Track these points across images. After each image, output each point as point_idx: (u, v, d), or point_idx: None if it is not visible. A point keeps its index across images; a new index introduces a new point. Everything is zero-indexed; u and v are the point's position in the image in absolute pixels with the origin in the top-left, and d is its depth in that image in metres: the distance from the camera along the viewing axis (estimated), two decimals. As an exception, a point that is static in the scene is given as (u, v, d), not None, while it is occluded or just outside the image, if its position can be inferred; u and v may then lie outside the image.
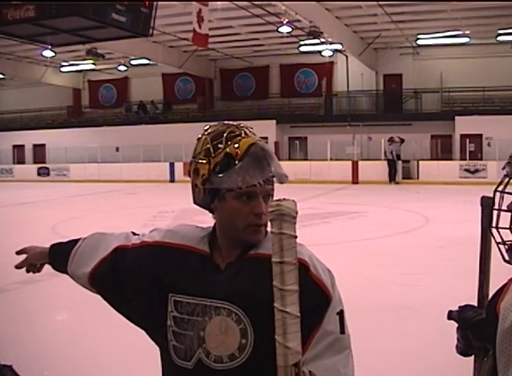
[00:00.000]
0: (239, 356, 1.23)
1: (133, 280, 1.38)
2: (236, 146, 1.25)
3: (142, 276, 1.36)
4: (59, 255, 1.56)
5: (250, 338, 1.22)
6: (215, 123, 1.34)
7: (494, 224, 1.24)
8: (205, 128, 1.34)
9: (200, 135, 1.33)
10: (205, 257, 1.31)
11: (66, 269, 1.55)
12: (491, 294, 1.27)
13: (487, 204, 1.30)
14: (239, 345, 1.23)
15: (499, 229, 1.22)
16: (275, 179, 1.27)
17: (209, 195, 1.28)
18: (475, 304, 1.45)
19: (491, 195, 1.27)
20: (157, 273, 1.34)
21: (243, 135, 1.27)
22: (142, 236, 1.45)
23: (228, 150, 1.25)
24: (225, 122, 1.33)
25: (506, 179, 1.22)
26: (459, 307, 1.43)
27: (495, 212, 1.25)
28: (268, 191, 1.26)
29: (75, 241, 1.57)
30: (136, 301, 1.38)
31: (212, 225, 1.37)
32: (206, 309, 1.26)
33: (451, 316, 1.41)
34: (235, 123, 1.32)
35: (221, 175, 1.24)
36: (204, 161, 1.27)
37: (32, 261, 1.60)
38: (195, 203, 1.35)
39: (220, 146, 1.26)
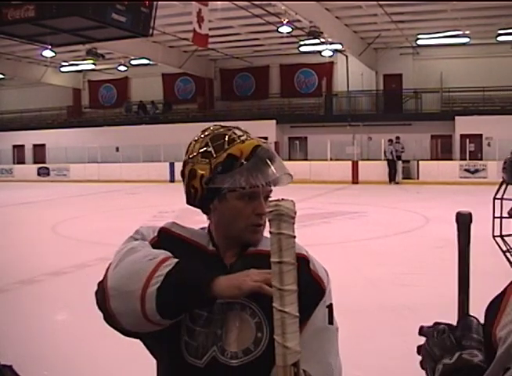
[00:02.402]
0: (254, 350, 1.23)
1: None
2: (240, 147, 1.26)
3: None
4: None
5: (266, 331, 1.23)
6: (214, 124, 1.35)
7: (498, 232, 1.19)
8: (202, 130, 1.34)
9: (196, 137, 1.33)
10: (214, 256, 1.32)
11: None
12: (471, 311, 1.11)
13: (463, 221, 1.11)
14: (255, 339, 1.23)
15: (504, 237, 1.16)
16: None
17: (208, 195, 1.28)
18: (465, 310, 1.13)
19: (466, 210, 1.12)
20: None
21: (245, 137, 1.29)
22: (145, 235, 1.36)
23: (230, 151, 1.26)
24: (224, 125, 1.35)
25: (504, 186, 1.19)
26: (435, 323, 1.07)
27: (497, 220, 1.21)
28: (268, 192, 1.30)
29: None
30: None
31: (204, 226, 1.38)
32: (222, 306, 1.25)
33: (422, 332, 1.07)
34: (233, 126, 1.34)
35: (224, 175, 1.24)
36: (204, 162, 1.27)
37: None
38: (188, 203, 1.34)
39: (222, 147, 1.27)
